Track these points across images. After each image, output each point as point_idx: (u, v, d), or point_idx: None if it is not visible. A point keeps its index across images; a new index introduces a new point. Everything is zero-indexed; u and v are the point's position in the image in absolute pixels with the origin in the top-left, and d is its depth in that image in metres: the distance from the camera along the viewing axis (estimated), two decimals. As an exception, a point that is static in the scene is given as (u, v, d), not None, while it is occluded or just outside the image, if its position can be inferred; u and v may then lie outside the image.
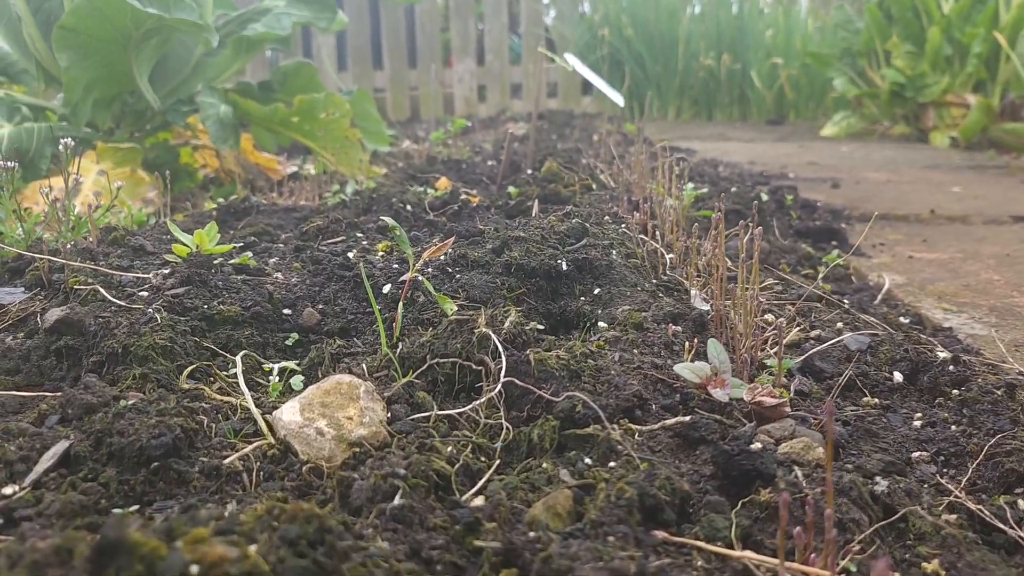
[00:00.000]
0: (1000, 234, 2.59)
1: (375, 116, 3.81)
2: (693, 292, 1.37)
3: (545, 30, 9.27)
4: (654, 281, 1.42)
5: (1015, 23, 6.13)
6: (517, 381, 0.91)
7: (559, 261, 1.29)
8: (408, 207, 2.01)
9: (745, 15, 7.59)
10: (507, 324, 1.02)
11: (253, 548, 0.58)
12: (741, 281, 1.25)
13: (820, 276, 2.01)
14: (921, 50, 6.37)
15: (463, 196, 2.31)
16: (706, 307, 1.34)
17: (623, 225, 1.72)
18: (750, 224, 2.04)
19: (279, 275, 1.39)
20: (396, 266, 1.38)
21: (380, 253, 1.50)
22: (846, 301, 1.73)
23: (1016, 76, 5.53)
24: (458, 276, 1.29)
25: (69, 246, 1.52)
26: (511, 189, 2.33)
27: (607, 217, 1.72)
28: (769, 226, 2.37)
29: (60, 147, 1.98)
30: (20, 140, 2.99)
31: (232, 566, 0.55)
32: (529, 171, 2.56)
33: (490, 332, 0.99)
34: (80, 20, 2.53)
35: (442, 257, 1.31)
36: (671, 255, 1.55)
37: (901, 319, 1.66)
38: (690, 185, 2.20)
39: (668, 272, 1.47)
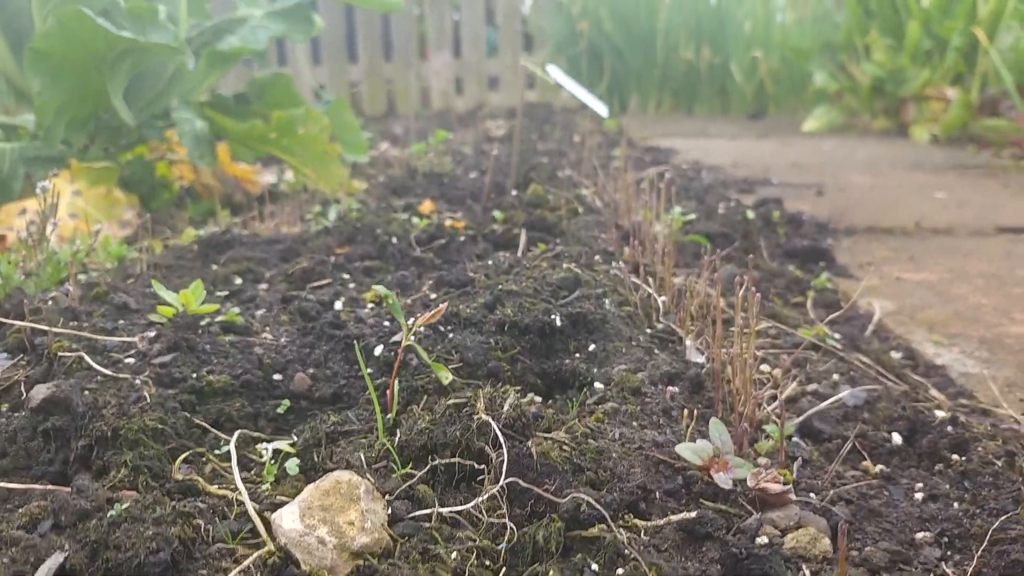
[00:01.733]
0: (986, 248, 2.60)
1: (354, 124, 3.76)
2: (688, 343, 1.36)
3: (522, 22, 9.21)
4: (648, 331, 1.40)
5: (993, 16, 6.15)
6: (521, 482, 0.89)
7: (553, 316, 1.27)
8: (394, 239, 1.99)
9: (723, 7, 7.57)
10: (506, 407, 1.00)
11: None
12: (738, 339, 1.24)
13: (810, 302, 2.01)
14: (900, 44, 6.38)
15: (449, 223, 2.28)
16: (701, 359, 1.33)
17: (614, 264, 1.70)
18: (741, 257, 2.03)
19: (268, 335, 1.36)
20: (387, 323, 1.36)
21: (369, 305, 1.47)
22: (838, 336, 1.73)
23: (995, 69, 5.54)
24: (451, 336, 1.27)
25: (50, 302, 1.48)
26: (496, 214, 2.31)
27: (597, 256, 1.70)
28: (757, 247, 2.36)
29: (38, 188, 1.92)
30: (-7, 162, 2.93)
31: None
32: (514, 192, 2.53)
33: (490, 420, 0.97)
34: (52, 43, 2.47)
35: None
36: (663, 298, 1.53)
37: (894, 354, 1.66)
38: (677, 209, 2.19)
39: (662, 319, 1.46)
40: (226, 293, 1.58)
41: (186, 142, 3.10)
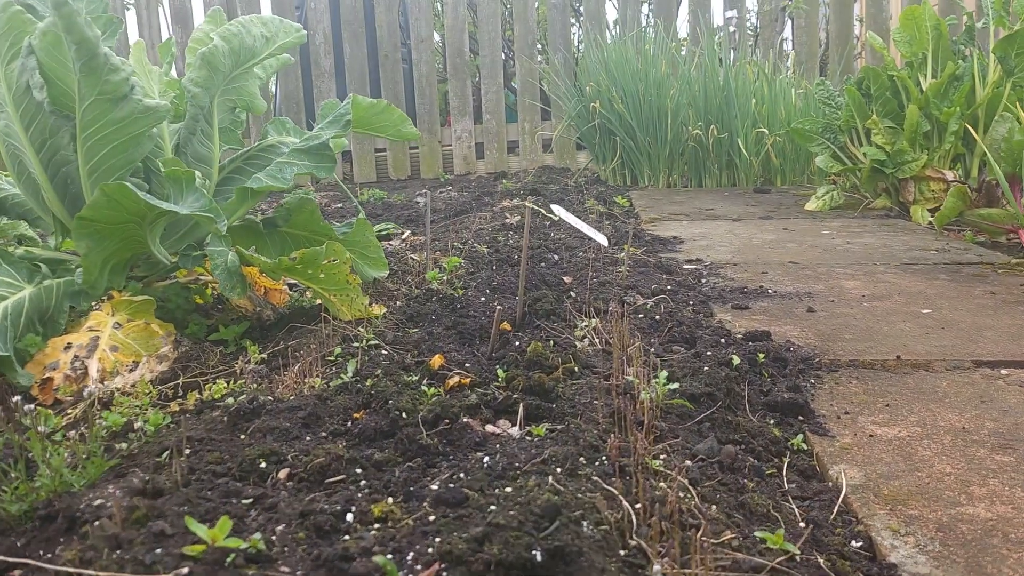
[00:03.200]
0: (960, 389, 2.78)
1: (375, 243, 4.01)
2: (656, 568, 1.56)
3: (540, 94, 9.52)
4: (622, 553, 1.60)
5: (991, 101, 6.35)
6: None
7: (534, 552, 1.47)
8: (404, 414, 2.20)
9: (731, 86, 7.82)
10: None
11: None
12: (695, 564, 1.43)
13: (785, 469, 2.20)
14: (900, 126, 6.60)
15: (456, 379, 2.50)
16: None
17: (599, 461, 1.91)
18: (724, 417, 2.23)
19: (284, 567, 1.56)
20: (390, 554, 1.56)
21: (375, 526, 1.67)
22: (804, 525, 1.91)
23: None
24: None
25: (96, 524, 1.68)
26: (500, 372, 2.52)
27: (582, 458, 1.90)
28: (740, 401, 2.56)
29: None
30: (40, 300, 3.19)
31: None
32: (517, 343, 2.75)
33: None
34: (98, 212, 2.74)
35: (431, 550, 1.49)
36: (638, 506, 1.73)
37: (854, 543, 1.85)
38: (664, 375, 2.39)
39: (635, 537, 1.65)
40: (250, 501, 1.79)
41: (218, 275, 3.35)
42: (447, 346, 2.95)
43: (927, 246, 5.24)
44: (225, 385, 2.71)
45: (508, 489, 1.73)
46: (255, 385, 2.67)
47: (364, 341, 3.07)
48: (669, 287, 3.89)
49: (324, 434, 2.27)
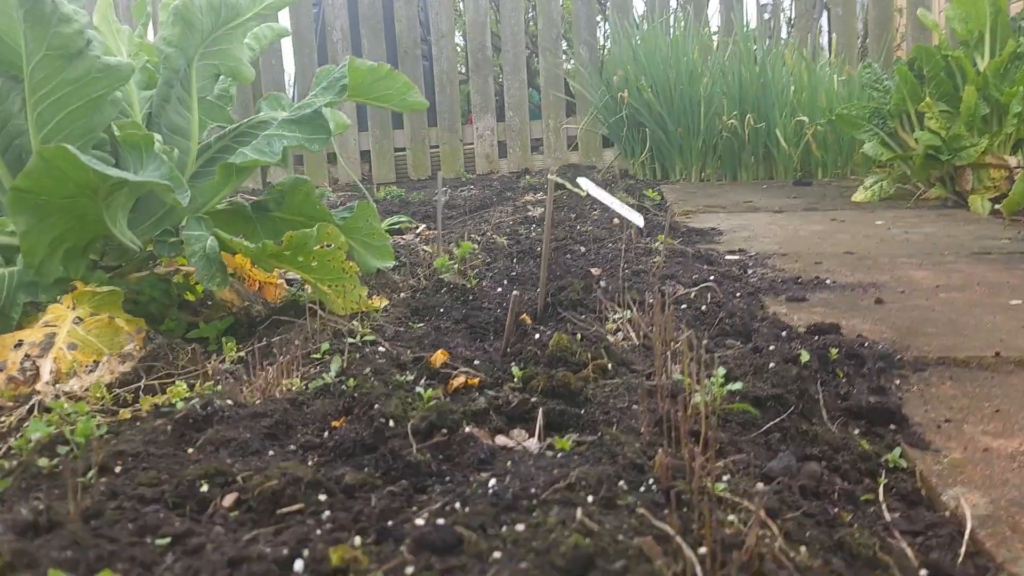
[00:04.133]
0: (1079, 390, 2.27)
1: (379, 230, 3.55)
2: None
3: (566, 86, 9.07)
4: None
5: (1056, 81, 5.79)
6: None
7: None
8: (390, 423, 1.74)
9: (768, 72, 7.30)
10: None
11: None
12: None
13: (882, 493, 1.71)
14: (956, 110, 6.06)
15: (462, 379, 2.03)
16: None
17: (643, 488, 1.42)
18: (797, 427, 1.73)
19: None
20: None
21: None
22: (927, 574, 1.42)
23: (1063, 142, 5.18)
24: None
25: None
26: (515, 370, 2.05)
27: (621, 482, 1.41)
28: (814, 404, 2.07)
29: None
30: (-10, 291, 2.76)
31: None
32: (536, 336, 2.27)
33: None
34: (37, 181, 2.30)
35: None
36: (703, 550, 1.24)
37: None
38: (721, 372, 1.90)
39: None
40: (168, 541, 1.32)
41: (195, 262, 2.91)
42: (454, 341, 2.48)
43: (996, 235, 4.70)
44: (187, 388, 2.26)
45: (520, 527, 1.25)
46: (219, 388, 2.21)
47: (359, 337, 2.60)
48: (712, 277, 3.39)
49: (293, 447, 1.80)
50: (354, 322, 2.78)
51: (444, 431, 1.68)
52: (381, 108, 3.73)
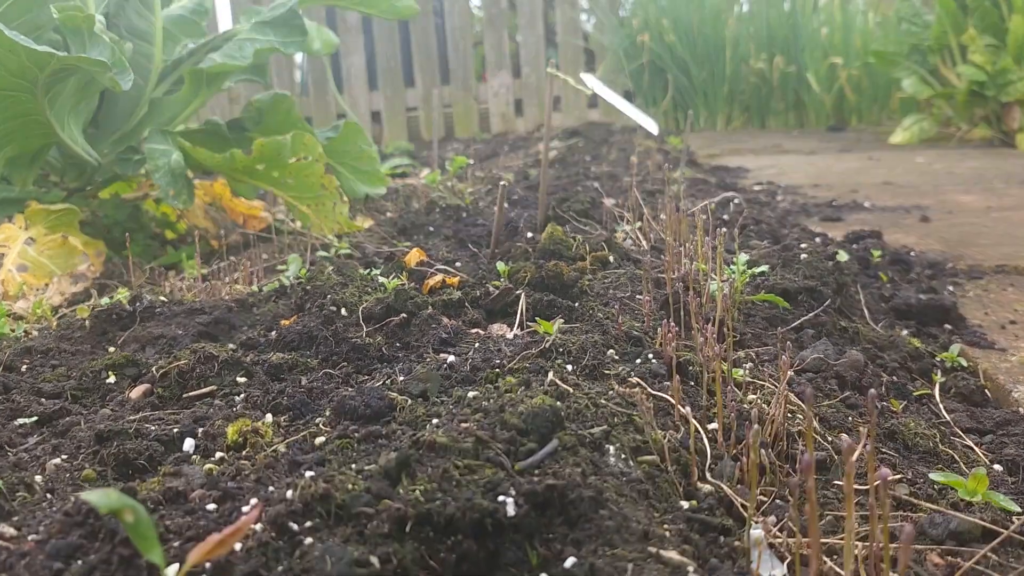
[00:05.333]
0: None
1: (369, 153, 3.25)
2: (754, 533, 0.77)
3: (584, 38, 8.68)
4: (684, 506, 0.80)
5: (1114, 6, 5.35)
6: None
7: (502, 499, 0.69)
8: (343, 311, 1.44)
9: (798, 12, 6.88)
10: None
11: None
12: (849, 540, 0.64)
13: (938, 391, 1.39)
14: (1003, 43, 5.62)
15: (439, 279, 1.72)
16: (781, 572, 0.74)
17: (639, 361, 1.11)
18: (834, 322, 1.44)
19: (11, 529, 0.82)
20: (212, 508, 0.79)
21: (219, 456, 0.92)
22: (1002, 470, 1.10)
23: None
24: (305, 545, 0.70)
25: None
26: (500, 266, 1.74)
27: (612, 351, 1.11)
28: (855, 303, 1.74)
29: None
30: (-68, 207, 2.51)
31: None
32: (530, 234, 1.96)
33: None
34: (-37, 66, 2.02)
35: (290, 494, 0.72)
36: (714, 425, 0.93)
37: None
38: (743, 257, 1.58)
39: (709, 477, 0.86)
40: (34, 420, 1.04)
41: (159, 178, 2.64)
42: (440, 251, 2.18)
43: (1050, 167, 4.30)
44: (126, 293, 1.98)
45: (473, 393, 0.95)
46: (151, 286, 1.93)
47: (334, 251, 2.31)
48: (736, 201, 3.05)
49: (232, 346, 1.52)
50: (331, 237, 2.49)
51: (403, 316, 1.37)
52: (368, 15, 3.42)
